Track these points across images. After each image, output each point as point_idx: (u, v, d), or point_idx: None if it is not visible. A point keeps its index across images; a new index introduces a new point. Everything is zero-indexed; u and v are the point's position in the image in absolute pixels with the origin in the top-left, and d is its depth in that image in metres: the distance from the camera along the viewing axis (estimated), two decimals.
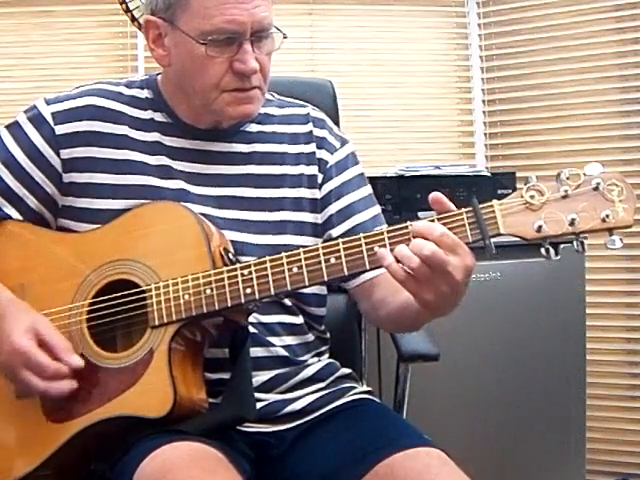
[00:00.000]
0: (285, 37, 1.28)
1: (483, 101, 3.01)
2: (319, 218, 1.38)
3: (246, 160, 1.36)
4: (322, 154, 1.40)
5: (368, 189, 1.43)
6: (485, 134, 3.01)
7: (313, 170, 1.39)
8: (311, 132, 1.41)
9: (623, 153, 2.81)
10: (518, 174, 2.58)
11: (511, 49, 2.95)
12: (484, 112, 3.01)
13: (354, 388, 1.38)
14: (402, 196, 2.40)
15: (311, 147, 1.40)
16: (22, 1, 2.74)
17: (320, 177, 1.39)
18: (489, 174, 2.53)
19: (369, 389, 1.42)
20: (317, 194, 1.38)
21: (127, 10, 2.34)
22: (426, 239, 1.07)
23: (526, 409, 2.31)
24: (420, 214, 2.40)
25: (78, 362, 1.17)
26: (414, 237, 1.08)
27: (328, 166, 1.40)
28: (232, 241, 1.28)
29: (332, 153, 1.41)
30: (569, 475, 2.36)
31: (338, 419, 1.31)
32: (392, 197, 2.39)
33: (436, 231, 1.07)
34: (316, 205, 1.38)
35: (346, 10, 2.95)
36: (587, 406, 2.39)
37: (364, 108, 2.91)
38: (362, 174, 1.44)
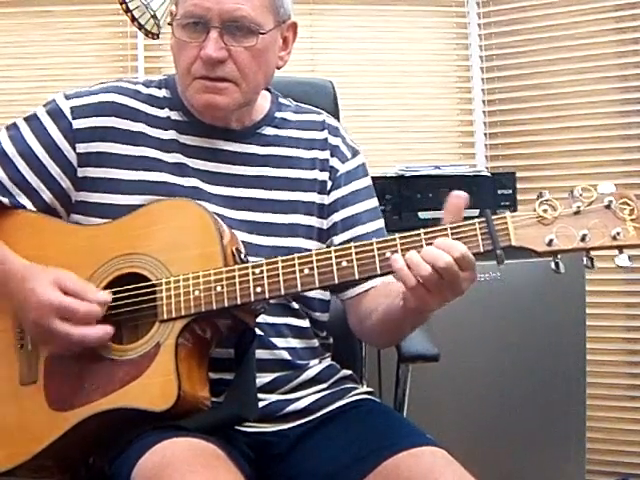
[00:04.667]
0: (262, 33, 1.27)
1: (483, 101, 3.01)
2: (324, 224, 1.39)
3: (261, 162, 1.37)
4: (334, 162, 1.41)
5: (374, 202, 1.44)
6: (485, 134, 3.02)
7: (324, 176, 1.40)
8: (326, 139, 1.42)
9: (623, 153, 2.81)
10: (518, 174, 2.58)
11: (511, 49, 2.95)
12: (484, 112, 3.01)
13: (355, 389, 1.39)
14: (402, 196, 2.40)
15: (325, 154, 1.41)
16: (22, 1, 2.74)
17: (329, 184, 1.40)
18: (489, 174, 2.54)
19: (370, 390, 1.43)
20: (325, 200, 1.39)
21: (127, 10, 2.34)
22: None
23: (526, 409, 2.31)
24: (420, 214, 2.40)
25: (106, 297, 1.19)
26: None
27: (338, 174, 1.41)
28: (242, 242, 1.29)
29: (343, 162, 1.42)
30: (569, 475, 2.37)
31: (340, 419, 1.31)
32: (392, 197, 2.39)
33: (456, 251, 1.08)
34: (323, 211, 1.39)
35: (346, 10, 2.95)
36: (587, 406, 2.39)
37: (364, 108, 2.91)
38: (370, 186, 1.45)
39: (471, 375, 2.28)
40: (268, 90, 1.44)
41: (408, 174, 2.45)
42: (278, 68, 1.37)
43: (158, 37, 2.45)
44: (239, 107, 1.33)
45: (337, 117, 1.73)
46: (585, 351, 2.38)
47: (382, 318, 1.28)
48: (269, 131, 1.40)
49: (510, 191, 2.49)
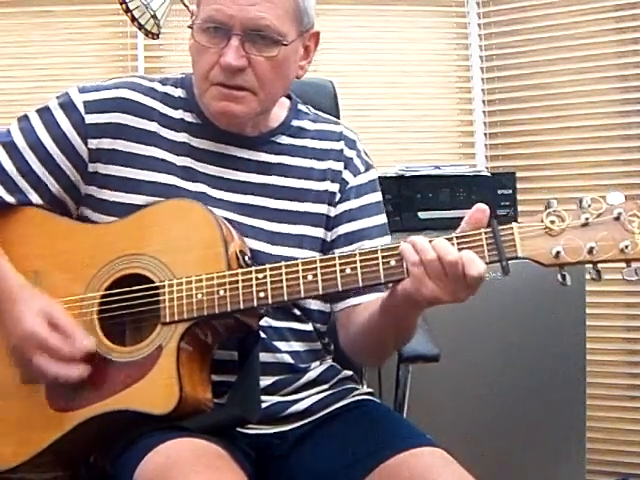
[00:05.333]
0: (284, 45, 1.25)
1: (483, 101, 3.01)
2: (329, 235, 1.37)
3: (271, 170, 1.35)
4: (346, 174, 1.39)
5: (383, 218, 1.42)
6: (485, 134, 3.01)
7: (335, 188, 1.38)
8: (342, 150, 1.40)
9: (623, 153, 2.81)
10: (518, 174, 2.58)
11: (511, 49, 2.95)
12: (484, 112, 3.01)
13: (356, 389, 1.39)
14: (402, 196, 2.40)
15: (339, 165, 1.39)
16: (22, 1, 2.74)
17: (338, 196, 1.38)
18: (489, 174, 2.53)
19: (370, 390, 1.42)
20: (332, 211, 1.37)
21: (127, 10, 2.34)
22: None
23: (526, 409, 2.31)
24: (420, 214, 2.40)
25: (91, 345, 1.17)
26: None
27: (348, 187, 1.39)
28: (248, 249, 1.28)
29: (355, 176, 1.40)
30: (569, 475, 2.37)
31: (341, 420, 1.31)
32: (392, 197, 2.38)
33: (475, 271, 1.08)
34: (329, 222, 1.37)
35: (346, 10, 2.95)
36: (587, 406, 2.39)
37: (364, 108, 2.91)
38: (380, 202, 1.42)
39: (471, 375, 2.28)
40: (288, 96, 1.42)
41: (408, 174, 2.45)
42: (297, 78, 1.35)
43: (158, 37, 2.45)
44: (255, 116, 1.31)
45: (337, 117, 1.73)
46: (585, 351, 2.37)
47: (367, 324, 1.27)
48: (284, 140, 1.38)
49: (510, 191, 2.48)
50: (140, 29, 2.40)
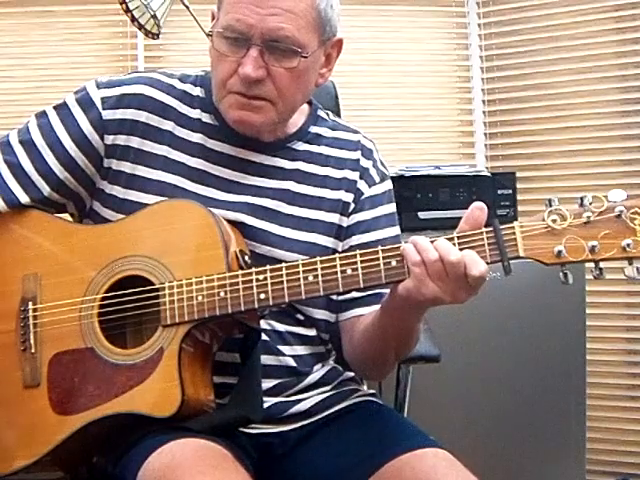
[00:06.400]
0: (304, 57, 1.22)
1: (483, 101, 3.01)
2: (340, 246, 1.35)
3: (286, 176, 1.34)
4: (361, 184, 1.37)
5: (396, 230, 1.40)
6: (485, 134, 3.01)
7: (349, 197, 1.36)
8: (358, 160, 1.39)
9: (623, 153, 2.81)
10: (518, 174, 2.59)
11: (511, 49, 2.95)
12: (484, 112, 3.01)
13: (358, 390, 1.39)
14: (402, 196, 2.39)
15: (355, 175, 1.37)
16: (22, 1, 2.74)
17: (352, 206, 1.36)
18: (489, 174, 2.53)
19: (373, 392, 1.42)
20: (344, 222, 1.36)
21: (127, 10, 2.34)
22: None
23: (526, 409, 2.31)
24: (420, 214, 2.40)
25: None
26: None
27: (362, 197, 1.37)
28: (257, 253, 1.28)
29: (370, 186, 1.38)
30: (569, 475, 2.37)
31: (343, 421, 1.31)
32: None
33: (477, 270, 1.08)
34: (341, 232, 1.36)
35: (346, 10, 2.93)
36: (587, 406, 2.39)
37: (364, 108, 2.90)
38: (394, 213, 1.41)
39: (471, 375, 2.28)
40: (309, 102, 1.40)
41: (408, 174, 2.45)
42: (317, 86, 1.33)
43: (158, 37, 2.45)
44: (273, 125, 1.30)
45: (339, 117, 1.73)
46: (585, 351, 2.37)
47: (370, 327, 1.27)
48: (300, 146, 1.36)
49: (510, 191, 2.49)
50: (140, 29, 2.40)
